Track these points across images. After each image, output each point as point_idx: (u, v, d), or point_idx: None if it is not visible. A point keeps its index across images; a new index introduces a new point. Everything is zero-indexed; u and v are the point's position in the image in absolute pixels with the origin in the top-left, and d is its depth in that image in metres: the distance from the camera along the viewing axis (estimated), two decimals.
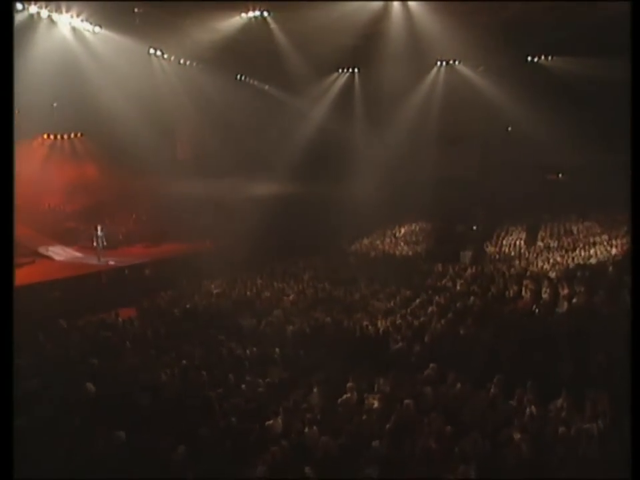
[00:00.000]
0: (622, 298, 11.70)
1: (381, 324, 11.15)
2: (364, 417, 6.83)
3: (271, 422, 6.78)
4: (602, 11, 16.16)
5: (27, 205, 20.37)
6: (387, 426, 6.58)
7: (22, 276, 16.01)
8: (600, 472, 5.28)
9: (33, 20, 13.74)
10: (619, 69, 13.66)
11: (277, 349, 9.63)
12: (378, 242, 23.65)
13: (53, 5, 13.85)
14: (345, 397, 7.49)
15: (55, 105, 19.77)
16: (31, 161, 21.48)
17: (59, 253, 19.50)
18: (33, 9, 13.42)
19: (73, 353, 9.53)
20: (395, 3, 17.23)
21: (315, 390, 7.73)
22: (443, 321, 11.03)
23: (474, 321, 11.16)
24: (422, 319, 11.47)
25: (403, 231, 24.59)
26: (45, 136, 22.25)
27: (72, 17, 14.54)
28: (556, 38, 19.83)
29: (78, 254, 19.75)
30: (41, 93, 16.86)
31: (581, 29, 18.08)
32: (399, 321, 11.31)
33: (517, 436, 6.17)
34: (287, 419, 6.83)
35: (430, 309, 12.27)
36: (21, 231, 19.33)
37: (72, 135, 22.56)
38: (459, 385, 7.72)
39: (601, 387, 7.08)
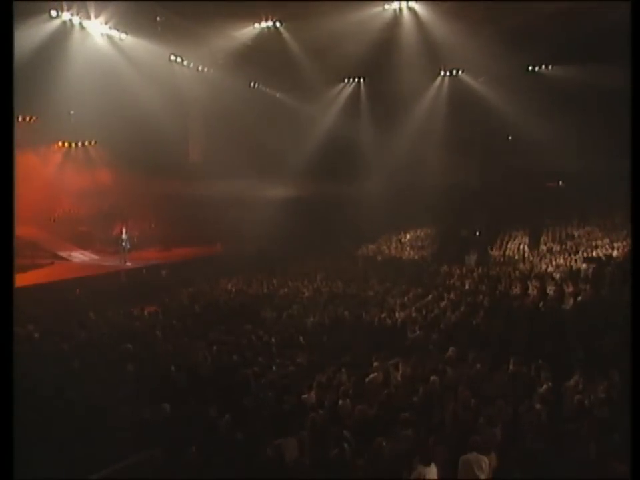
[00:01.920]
0: (624, 296, 12.22)
1: (398, 315, 11.64)
2: (393, 391, 7.29)
3: (305, 396, 7.24)
4: (601, 20, 16.79)
5: (44, 209, 20.93)
6: (415, 399, 7.07)
7: (42, 276, 16.67)
8: (610, 429, 5.79)
9: (65, 27, 14.27)
10: (617, 77, 14.29)
11: (301, 337, 10.12)
12: (384, 247, 24.07)
13: (81, 13, 14.33)
14: (372, 375, 7.97)
15: (71, 112, 20.24)
16: (48, 167, 22.08)
17: (77, 256, 19.99)
18: (65, 15, 13.93)
19: (107, 339, 9.94)
20: (405, 14, 17.88)
21: (343, 370, 8.19)
22: (456, 313, 11.54)
23: (485, 313, 11.68)
24: (436, 312, 11.97)
25: (408, 236, 24.98)
26: (60, 143, 22.74)
27: (101, 24, 15.07)
28: (556, 47, 20.44)
29: (95, 256, 20.29)
30: (62, 101, 17.40)
31: (580, 38, 18.71)
32: (414, 314, 11.80)
33: (538, 406, 6.69)
34: (321, 393, 7.29)
35: (443, 304, 12.76)
36: (39, 234, 19.91)
37: (86, 143, 23.04)
38: (478, 366, 8.21)
39: (609, 367, 7.63)
